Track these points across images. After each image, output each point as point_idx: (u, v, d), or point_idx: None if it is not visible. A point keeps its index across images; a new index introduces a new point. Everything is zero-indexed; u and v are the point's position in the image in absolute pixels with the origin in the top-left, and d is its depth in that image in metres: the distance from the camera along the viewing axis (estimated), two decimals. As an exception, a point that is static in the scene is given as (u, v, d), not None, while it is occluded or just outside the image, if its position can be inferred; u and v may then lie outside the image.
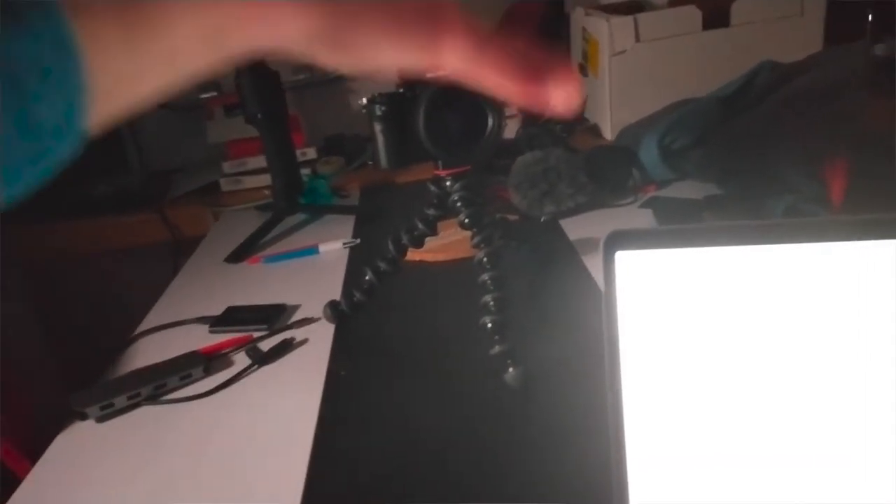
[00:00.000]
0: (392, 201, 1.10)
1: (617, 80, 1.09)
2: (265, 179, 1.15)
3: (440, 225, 0.67)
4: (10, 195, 0.17)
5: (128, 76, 0.19)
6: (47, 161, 0.17)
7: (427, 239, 0.68)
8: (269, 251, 0.96)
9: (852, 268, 0.32)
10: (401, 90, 0.64)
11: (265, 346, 0.68)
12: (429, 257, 0.82)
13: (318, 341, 0.69)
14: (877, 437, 0.33)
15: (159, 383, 0.62)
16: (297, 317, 0.75)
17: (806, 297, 0.32)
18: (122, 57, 0.18)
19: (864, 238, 0.32)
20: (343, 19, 0.23)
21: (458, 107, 0.58)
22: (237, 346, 0.70)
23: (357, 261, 0.88)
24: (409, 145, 0.61)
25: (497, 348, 0.56)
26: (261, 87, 0.95)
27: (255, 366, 0.66)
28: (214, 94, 1.29)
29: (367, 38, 0.24)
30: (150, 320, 0.79)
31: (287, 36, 0.23)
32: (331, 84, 1.37)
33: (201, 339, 0.72)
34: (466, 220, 0.62)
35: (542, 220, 0.87)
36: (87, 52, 0.17)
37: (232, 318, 0.76)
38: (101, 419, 0.60)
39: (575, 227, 0.86)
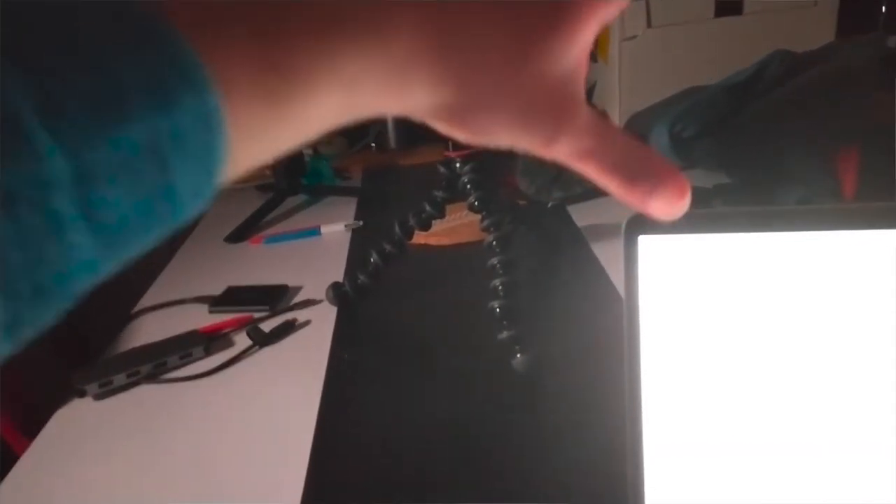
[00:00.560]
0: (395, 184, 1.08)
1: (627, 66, 1.07)
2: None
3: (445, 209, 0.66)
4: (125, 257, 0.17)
5: (265, 143, 0.19)
6: (170, 225, 0.17)
7: (434, 222, 0.67)
8: (271, 231, 0.95)
9: (884, 255, 0.31)
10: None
11: (267, 327, 0.67)
12: (433, 241, 0.80)
13: (321, 323, 0.68)
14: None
15: (159, 362, 0.61)
16: (299, 298, 0.73)
17: (833, 285, 0.32)
18: (265, 129, 0.18)
19: (891, 226, 0.31)
20: (474, 100, 0.23)
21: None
22: (238, 326, 0.69)
23: (360, 243, 0.87)
24: (418, 125, 0.60)
25: (505, 333, 0.55)
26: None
27: (257, 346, 0.64)
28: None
29: (492, 123, 0.24)
30: (149, 298, 0.78)
31: (415, 106, 0.23)
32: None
33: (201, 318, 0.71)
34: (476, 203, 0.60)
35: (549, 205, 0.86)
36: (232, 127, 0.17)
37: (232, 297, 0.75)
38: (99, 397, 0.59)
39: (583, 214, 0.85)
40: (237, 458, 0.50)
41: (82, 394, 0.58)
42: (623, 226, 0.34)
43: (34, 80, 0.13)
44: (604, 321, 0.62)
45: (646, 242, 0.34)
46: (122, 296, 0.80)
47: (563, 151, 0.26)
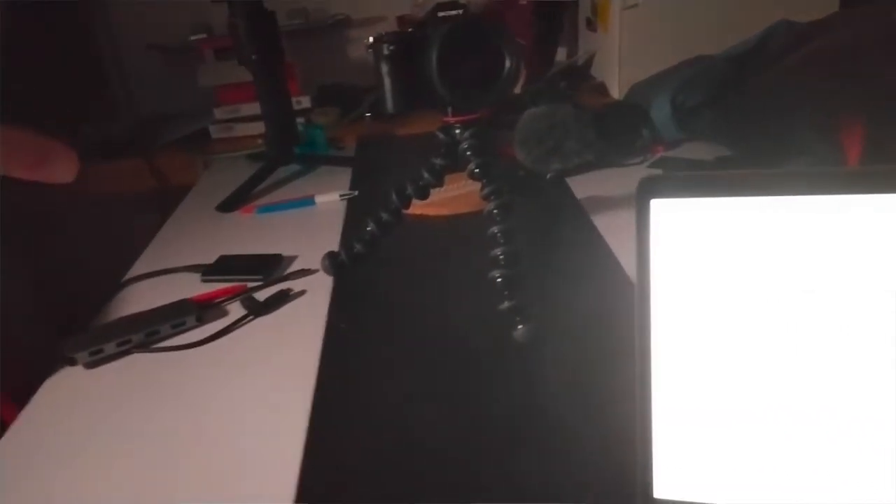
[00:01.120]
0: (391, 154, 1.07)
1: (627, 36, 1.05)
2: (257, 127, 1.11)
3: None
4: None
5: None
6: None
7: (432, 191, 0.65)
8: (263, 201, 0.93)
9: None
10: (410, 30, 0.60)
11: (261, 296, 0.66)
12: (431, 211, 0.79)
13: (317, 293, 0.67)
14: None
15: (151, 331, 0.60)
16: (293, 268, 0.72)
17: (849, 249, 0.31)
18: None
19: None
20: None
21: (472, 48, 0.55)
22: (231, 295, 0.67)
23: (355, 213, 0.85)
24: (417, 88, 0.58)
25: (506, 304, 0.54)
26: (256, 28, 0.91)
27: (251, 316, 0.63)
28: (204, 35, 1.23)
29: None
30: (139, 267, 0.76)
31: None
32: (328, 30, 1.31)
33: (193, 287, 0.69)
34: (476, 170, 0.59)
35: (547, 177, 0.84)
36: None
37: (225, 267, 0.73)
38: (90, 365, 0.57)
39: (582, 186, 0.84)
40: (231, 429, 0.49)
41: (73, 362, 0.57)
42: (636, 190, 0.33)
43: None
44: (604, 292, 0.61)
45: (658, 205, 0.33)
46: (111, 264, 0.78)
47: None
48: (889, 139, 0.71)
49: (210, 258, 0.75)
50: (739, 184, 0.32)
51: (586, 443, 0.44)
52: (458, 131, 0.60)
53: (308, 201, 0.90)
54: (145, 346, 0.59)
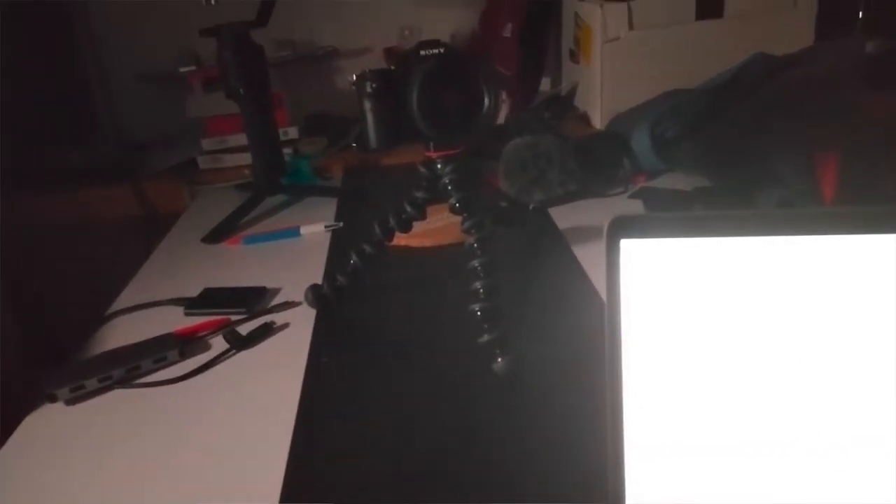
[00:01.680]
0: (376, 185, 1.07)
1: (609, 68, 1.07)
2: (245, 158, 1.12)
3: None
4: None
5: None
6: None
7: (414, 223, 0.66)
8: (249, 232, 0.93)
9: (861, 260, 0.31)
10: (392, 67, 0.62)
11: (244, 329, 0.66)
12: (414, 243, 0.80)
13: (300, 326, 0.67)
14: (877, 433, 0.32)
15: (132, 366, 0.60)
16: (277, 300, 0.72)
17: (814, 289, 0.32)
18: None
19: (875, 231, 0.31)
20: None
21: (453, 85, 0.56)
22: (214, 329, 0.67)
23: (340, 244, 0.86)
24: (400, 124, 0.59)
25: (486, 336, 0.55)
26: (244, 61, 0.92)
27: (234, 350, 0.63)
28: (193, 67, 1.25)
29: None
30: (123, 300, 0.76)
31: None
32: (315, 62, 1.33)
33: (176, 321, 0.69)
34: (457, 204, 0.60)
35: (530, 207, 0.85)
36: None
37: (209, 300, 0.73)
38: (71, 402, 0.57)
39: (564, 216, 0.85)
40: (213, 465, 0.49)
41: (53, 398, 0.57)
42: (605, 228, 0.33)
43: None
44: (585, 324, 0.61)
45: (628, 245, 0.33)
46: (95, 297, 0.78)
47: None
48: (864, 170, 0.73)
49: (195, 290, 0.75)
50: (708, 225, 0.33)
51: (563, 465, 0.44)
52: (439, 166, 0.61)
53: (293, 232, 0.90)
54: (127, 382, 0.59)
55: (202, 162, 1.19)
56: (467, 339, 0.56)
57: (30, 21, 1.12)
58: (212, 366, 0.61)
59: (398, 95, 0.58)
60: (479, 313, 0.56)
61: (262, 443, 0.50)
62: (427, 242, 0.80)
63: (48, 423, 0.56)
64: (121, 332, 0.69)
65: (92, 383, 0.58)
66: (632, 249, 0.34)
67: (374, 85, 0.59)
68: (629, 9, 1.05)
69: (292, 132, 1.20)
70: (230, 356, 0.63)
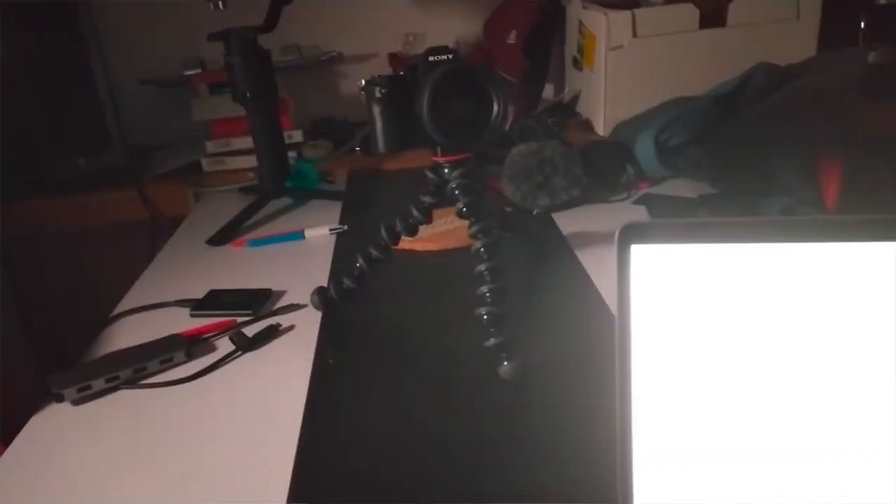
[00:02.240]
0: (380, 189, 1.08)
1: (613, 75, 1.08)
2: (249, 161, 1.12)
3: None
4: None
5: None
6: None
7: (420, 227, 0.66)
8: (254, 235, 0.93)
9: (872, 267, 0.31)
10: (401, 73, 0.62)
11: (250, 331, 0.66)
12: (420, 247, 0.80)
13: (305, 329, 0.67)
14: (883, 436, 0.32)
15: (139, 367, 0.60)
16: (282, 303, 0.72)
17: (824, 295, 0.32)
18: None
19: (884, 239, 0.31)
20: None
21: (463, 92, 0.57)
22: (220, 330, 0.67)
23: (344, 248, 0.86)
24: (408, 129, 0.60)
25: (492, 341, 0.55)
26: (251, 65, 0.92)
27: (240, 352, 0.63)
28: (199, 70, 1.25)
29: None
30: (129, 301, 0.76)
31: None
32: (320, 66, 1.34)
33: (182, 322, 0.70)
34: (464, 209, 0.60)
35: (535, 212, 0.86)
36: None
37: (214, 301, 0.73)
38: (77, 402, 0.57)
39: (568, 222, 0.85)
40: (220, 466, 0.49)
41: (60, 399, 0.57)
42: (616, 234, 0.34)
43: None
44: (589, 329, 0.62)
45: (638, 251, 0.34)
46: (100, 299, 0.79)
47: None
48: (865, 178, 0.74)
49: (200, 292, 0.75)
50: (718, 231, 0.33)
51: (570, 472, 0.44)
52: (446, 170, 0.61)
53: (298, 235, 0.91)
54: (133, 383, 0.59)
55: (206, 165, 1.20)
56: (473, 342, 0.56)
57: (36, 25, 1.12)
58: (218, 367, 0.61)
59: (407, 101, 0.58)
60: (485, 317, 0.56)
61: (268, 443, 0.51)
62: (433, 246, 0.81)
63: (55, 423, 0.56)
64: (127, 333, 0.69)
65: (99, 384, 0.58)
66: (642, 255, 0.34)
67: (383, 90, 0.60)
68: (633, 17, 1.06)
69: (297, 136, 1.20)
70: (236, 357, 0.63)
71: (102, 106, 1.22)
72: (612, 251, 0.34)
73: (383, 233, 0.65)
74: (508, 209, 0.85)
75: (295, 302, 0.72)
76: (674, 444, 0.34)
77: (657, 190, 0.91)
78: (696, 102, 0.94)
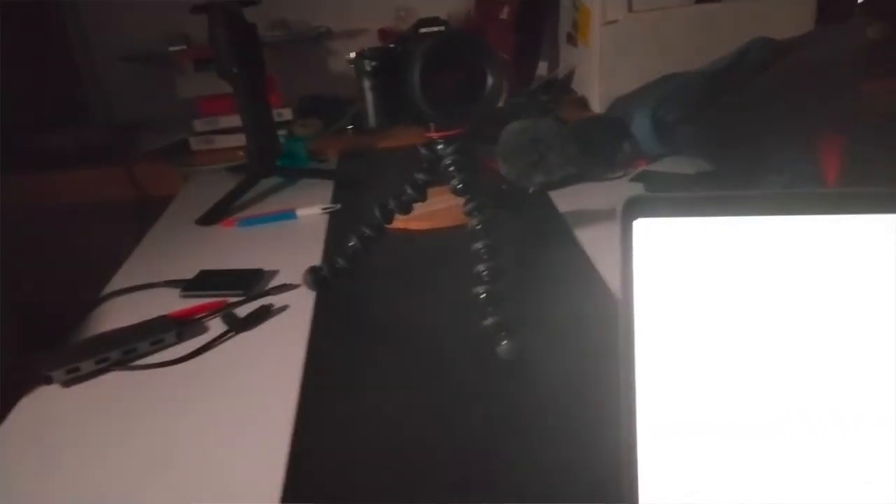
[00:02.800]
0: (372, 167, 1.06)
1: (607, 51, 1.06)
2: (238, 139, 1.10)
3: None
4: None
5: None
6: None
7: (414, 205, 0.65)
8: (244, 214, 0.92)
9: (876, 240, 0.31)
10: (392, 45, 0.60)
11: (242, 312, 0.65)
12: (414, 225, 0.79)
13: (298, 309, 0.66)
14: (885, 409, 0.32)
15: (129, 348, 0.59)
16: (274, 283, 0.71)
17: (830, 269, 0.31)
18: None
19: (890, 211, 0.31)
20: None
21: (455, 64, 0.55)
22: (211, 311, 0.66)
23: (337, 227, 0.85)
24: (399, 104, 0.58)
25: (490, 319, 0.54)
26: (237, 39, 0.90)
27: (232, 332, 0.62)
28: (184, 46, 1.22)
29: None
30: (117, 282, 0.75)
31: None
32: (309, 42, 1.31)
33: (172, 303, 0.68)
34: (459, 186, 0.59)
35: (530, 191, 0.85)
36: None
37: (205, 282, 0.72)
38: (67, 384, 0.56)
39: (564, 200, 0.84)
40: (212, 448, 0.48)
41: (49, 381, 0.56)
42: (619, 209, 0.33)
43: None
44: (587, 307, 0.61)
45: (641, 225, 0.33)
46: (88, 279, 0.77)
47: None
48: (863, 154, 0.73)
49: (190, 272, 0.74)
50: (722, 204, 0.32)
51: (571, 456, 0.44)
52: (440, 147, 0.60)
53: (290, 214, 0.89)
54: (123, 364, 0.58)
55: (194, 143, 1.17)
56: (470, 321, 0.55)
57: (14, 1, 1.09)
58: (210, 348, 0.60)
59: (398, 74, 0.57)
60: (483, 296, 0.55)
61: (262, 424, 0.50)
62: (427, 225, 0.80)
63: (44, 405, 0.55)
64: (116, 314, 0.68)
65: (88, 365, 0.57)
66: (645, 229, 0.33)
67: (373, 63, 0.58)
68: (628, -9, 1.04)
69: (286, 114, 1.18)
70: (228, 338, 0.62)
71: (84, 82, 1.19)
72: (610, 228, 0.33)
73: (377, 211, 0.64)
74: (504, 187, 0.84)
75: (288, 282, 0.71)
76: (678, 422, 0.34)
77: (654, 167, 0.90)
78: (692, 78, 0.92)
